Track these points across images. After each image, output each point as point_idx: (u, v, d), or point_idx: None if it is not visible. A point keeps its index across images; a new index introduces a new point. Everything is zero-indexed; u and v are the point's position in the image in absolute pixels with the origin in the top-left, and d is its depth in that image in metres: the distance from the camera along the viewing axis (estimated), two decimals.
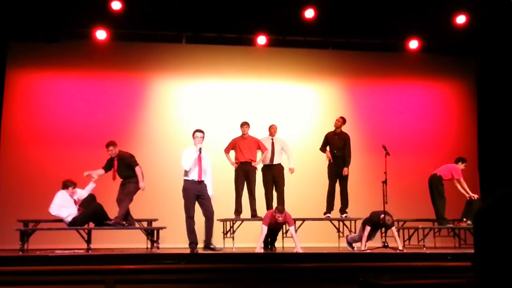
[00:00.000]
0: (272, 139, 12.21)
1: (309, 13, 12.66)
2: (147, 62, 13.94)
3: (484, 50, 14.19)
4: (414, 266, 8.33)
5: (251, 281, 7.75)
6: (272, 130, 12.30)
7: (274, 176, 12.03)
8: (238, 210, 11.77)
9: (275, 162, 12.07)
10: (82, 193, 11.18)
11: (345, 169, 12.00)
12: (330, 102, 14.55)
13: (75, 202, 11.03)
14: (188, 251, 10.21)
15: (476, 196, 12.04)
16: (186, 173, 10.46)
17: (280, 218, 10.30)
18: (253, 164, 11.77)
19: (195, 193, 10.43)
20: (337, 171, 12.08)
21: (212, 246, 10.39)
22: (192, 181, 10.42)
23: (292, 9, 12.64)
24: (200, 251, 10.32)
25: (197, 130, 10.66)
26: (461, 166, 12.15)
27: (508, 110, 13.44)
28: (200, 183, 10.49)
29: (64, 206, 10.90)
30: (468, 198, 12.02)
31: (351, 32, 13.49)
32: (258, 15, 12.66)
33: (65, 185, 11.01)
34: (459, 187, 12.03)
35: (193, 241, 10.31)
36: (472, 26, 12.94)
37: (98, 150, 12.92)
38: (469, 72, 14.90)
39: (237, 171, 11.78)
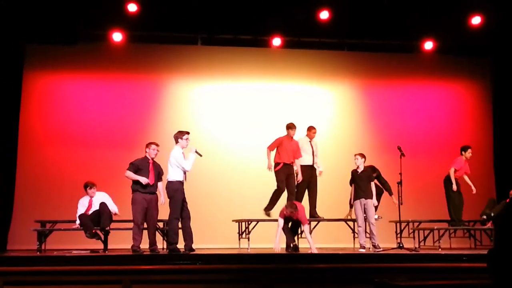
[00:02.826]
0: (311, 141, 12.19)
1: (324, 15, 12.68)
2: (162, 64, 14.00)
3: (499, 51, 14.15)
4: (429, 267, 8.33)
5: (266, 281, 7.78)
6: (312, 133, 12.27)
7: (312, 177, 12.06)
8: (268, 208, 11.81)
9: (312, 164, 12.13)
10: (101, 197, 11.22)
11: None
12: (345, 104, 14.55)
13: (90, 205, 11.12)
14: (203, 252, 10.24)
15: (474, 190, 12.01)
16: (176, 174, 10.26)
17: (288, 213, 10.39)
18: (295, 168, 11.78)
19: (183, 195, 10.36)
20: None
21: (194, 248, 10.27)
22: (182, 182, 10.33)
23: (307, 11, 12.66)
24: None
25: (187, 132, 10.52)
26: (466, 154, 12.11)
27: None
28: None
29: (79, 210, 11.14)
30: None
31: (366, 33, 13.49)
32: (273, 17, 12.68)
33: (84, 186, 11.19)
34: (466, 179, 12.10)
35: (176, 242, 10.17)
36: (488, 26, 12.91)
37: (114, 151, 13.08)
38: (485, 73, 14.85)
39: (280, 172, 11.59)
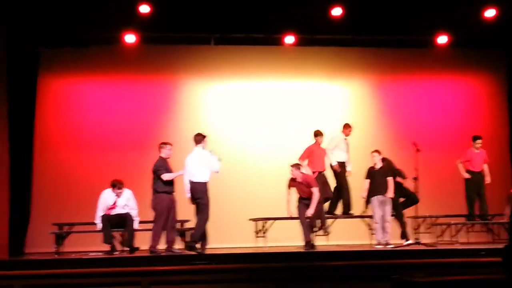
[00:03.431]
0: (346, 138, 12.21)
1: (337, 11, 12.65)
2: (176, 64, 14.02)
3: None
4: (447, 262, 8.30)
5: (283, 279, 7.78)
6: (348, 130, 12.33)
7: (346, 175, 12.19)
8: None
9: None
10: (129, 197, 11.21)
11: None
12: (359, 100, 14.51)
13: (114, 205, 11.05)
14: (221, 251, 10.26)
15: (488, 180, 12.01)
16: (204, 175, 10.35)
17: (293, 174, 10.75)
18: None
19: None
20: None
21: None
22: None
23: (319, 8, 12.63)
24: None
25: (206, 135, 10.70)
26: (474, 145, 12.18)
27: None
28: None
29: (100, 208, 11.05)
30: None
31: (379, 29, 13.42)
32: (286, 15, 12.67)
33: (112, 185, 11.09)
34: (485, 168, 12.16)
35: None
36: (502, 19, 12.82)
37: (129, 153, 13.11)
38: (500, 65, 14.75)
39: (317, 180, 11.39)
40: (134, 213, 11.10)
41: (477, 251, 9.15)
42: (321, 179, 11.53)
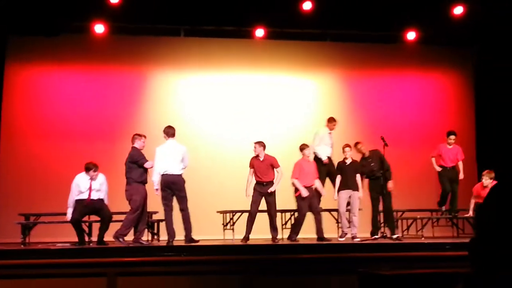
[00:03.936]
0: (330, 132, 12.15)
1: (307, 5, 12.70)
2: (145, 55, 13.96)
3: (481, 41, 14.21)
4: (412, 256, 8.39)
5: (250, 272, 7.81)
6: (332, 125, 12.23)
7: (331, 167, 12.08)
8: None
9: None
10: (102, 181, 10.82)
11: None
12: (328, 94, 14.59)
13: (90, 188, 10.65)
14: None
15: (461, 176, 12.15)
16: (182, 168, 10.51)
17: (256, 151, 10.97)
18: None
19: None
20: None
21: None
22: None
23: (289, 2, 12.68)
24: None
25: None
26: (448, 140, 12.27)
27: (506, 100, 13.46)
28: None
29: (74, 191, 10.67)
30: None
31: (349, 24, 13.49)
32: (256, 8, 12.66)
33: (86, 168, 10.70)
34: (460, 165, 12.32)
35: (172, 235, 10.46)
36: (470, 16, 12.97)
37: (97, 143, 13.02)
38: (467, 62, 14.93)
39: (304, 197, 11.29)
40: (105, 198, 10.82)
41: (442, 245, 9.25)
42: (309, 194, 11.20)
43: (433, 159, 12.30)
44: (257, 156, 11.09)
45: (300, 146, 11.50)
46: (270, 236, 10.96)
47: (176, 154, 10.43)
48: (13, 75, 13.29)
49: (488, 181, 11.14)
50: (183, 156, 10.49)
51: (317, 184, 11.40)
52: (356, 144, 11.60)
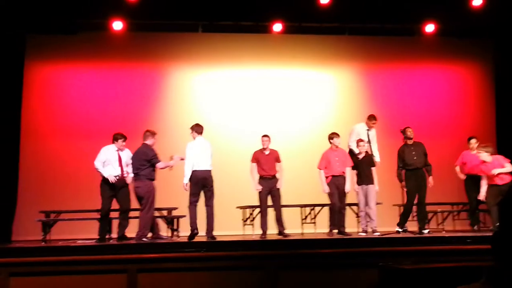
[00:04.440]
0: (368, 130, 11.91)
1: None
2: (164, 52, 13.98)
3: (501, 33, 14.09)
4: (433, 250, 8.35)
5: (272, 267, 7.80)
6: (371, 123, 11.90)
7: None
8: None
9: None
10: (129, 155, 10.75)
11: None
12: (347, 88, 14.53)
13: (120, 160, 10.64)
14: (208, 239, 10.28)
15: (462, 176, 11.86)
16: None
17: (265, 144, 11.10)
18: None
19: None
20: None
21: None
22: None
23: None
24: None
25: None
26: (469, 146, 11.94)
27: None
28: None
29: (107, 163, 10.61)
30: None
31: (367, 17, 13.42)
32: (274, 3, 12.62)
33: (115, 138, 10.75)
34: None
35: (196, 228, 10.52)
36: (489, 8, 12.83)
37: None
38: (487, 54, 14.79)
39: (330, 185, 11.14)
40: (129, 177, 10.69)
41: (463, 239, 9.20)
42: (334, 183, 11.10)
43: (457, 168, 11.95)
44: (262, 150, 11.08)
45: (328, 135, 11.43)
46: (295, 231, 10.96)
47: (206, 150, 10.65)
48: (32, 74, 13.35)
49: (484, 155, 10.99)
50: (211, 153, 10.73)
51: (347, 172, 11.22)
52: (406, 128, 11.35)
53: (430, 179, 11.08)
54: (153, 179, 10.40)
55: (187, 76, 14.11)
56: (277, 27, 13.54)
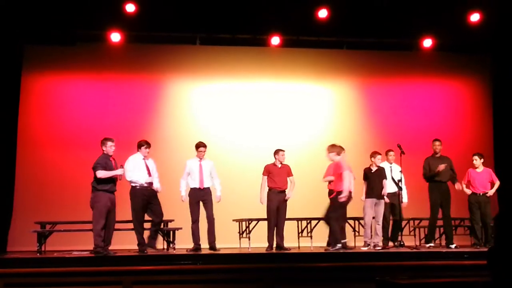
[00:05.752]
0: (391, 166, 11.81)
1: (323, 13, 12.65)
2: (161, 64, 13.97)
3: (499, 48, 14.14)
4: (430, 265, 8.32)
5: (267, 280, 7.77)
6: (389, 156, 11.85)
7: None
8: None
9: None
10: (153, 164, 10.74)
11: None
12: (344, 102, 14.54)
13: (148, 169, 10.56)
14: (204, 252, 10.25)
15: (469, 192, 11.69)
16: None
17: (280, 159, 11.08)
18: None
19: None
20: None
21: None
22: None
23: (305, 9, 12.63)
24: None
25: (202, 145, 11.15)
26: (473, 162, 11.87)
27: None
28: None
29: (135, 170, 10.49)
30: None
31: (365, 31, 13.46)
32: (272, 16, 12.66)
33: (139, 145, 10.69)
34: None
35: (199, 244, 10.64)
36: (487, 23, 12.89)
37: (114, 152, 12.99)
38: (484, 70, 14.84)
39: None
40: (156, 184, 10.62)
41: (460, 254, 9.19)
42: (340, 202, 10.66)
43: (464, 185, 11.71)
44: (274, 163, 11.09)
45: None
46: (292, 244, 10.96)
47: (208, 168, 10.93)
48: (29, 84, 13.33)
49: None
50: (211, 171, 11.02)
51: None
52: (435, 140, 11.55)
53: (457, 184, 11.41)
54: (100, 190, 9.92)
55: (184, 88, 14.10)
56: (275, 40, 13.57)
